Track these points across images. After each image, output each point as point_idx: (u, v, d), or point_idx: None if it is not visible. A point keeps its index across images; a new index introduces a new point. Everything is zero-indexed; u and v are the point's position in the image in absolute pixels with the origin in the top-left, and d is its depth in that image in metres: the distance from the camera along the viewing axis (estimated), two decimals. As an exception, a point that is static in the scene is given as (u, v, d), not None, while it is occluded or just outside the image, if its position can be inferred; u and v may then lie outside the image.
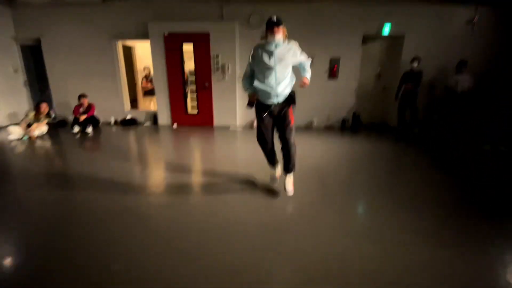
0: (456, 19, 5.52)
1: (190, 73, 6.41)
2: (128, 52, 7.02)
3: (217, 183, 3.00)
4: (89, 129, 5.56)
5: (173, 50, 5.82)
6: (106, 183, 2.99)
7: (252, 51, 2.43)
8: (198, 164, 3.86)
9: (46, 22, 5.92)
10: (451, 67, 5.48)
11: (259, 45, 2.41)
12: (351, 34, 5.69)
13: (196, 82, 6.04)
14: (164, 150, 4.61)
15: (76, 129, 5.54)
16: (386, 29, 5.61)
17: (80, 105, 5.76)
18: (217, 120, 6.17)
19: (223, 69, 5.85)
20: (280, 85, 2.39)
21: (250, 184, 2.99)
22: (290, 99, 2.49)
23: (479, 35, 5.51)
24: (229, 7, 5.65)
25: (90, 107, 5.79)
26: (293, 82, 2.53)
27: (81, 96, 5.74)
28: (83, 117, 5.62)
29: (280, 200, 2.63)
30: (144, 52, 7.11)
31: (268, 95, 2.43)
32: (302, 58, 2.47)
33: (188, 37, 5.75)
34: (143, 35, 5.88)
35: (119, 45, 6.13)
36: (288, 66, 2.38)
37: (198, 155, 4.37)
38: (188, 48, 5.90)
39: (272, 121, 2.56)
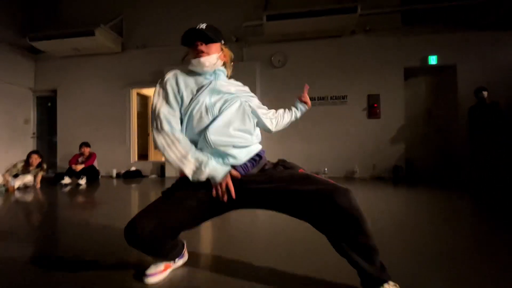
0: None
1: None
2: (145, 102, 6.72)
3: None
4: (82, 181, 4.67)
5: (188, 94, 5.32)
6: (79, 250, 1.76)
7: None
8: (211, 234, 2.49)
9: (63, 73, 5.89)
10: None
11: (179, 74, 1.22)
12: (390, 68, 4.91)
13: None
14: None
15: (67, 180, 4.68)
16: (433, 60, 4.78)
17: (80, 154, 5.07)
18: (234, 170, 5.11)
19: (242, 111, 5.12)
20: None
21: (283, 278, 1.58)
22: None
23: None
24: (249, 48, 5.29)
25: (90, 156, 5.07)
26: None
27: (83, 145, 5.09)
28: (79, 167, 4.83)
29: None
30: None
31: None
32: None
33: (204, 80, 5.29)
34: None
35: (133, 92, 5.80)
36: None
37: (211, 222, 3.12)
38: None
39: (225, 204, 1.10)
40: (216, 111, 1.13)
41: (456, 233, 1.98)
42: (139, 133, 6.11)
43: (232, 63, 1.31)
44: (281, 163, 1.21)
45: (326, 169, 4.89)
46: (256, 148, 1.20)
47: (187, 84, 1.18)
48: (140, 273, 1.26)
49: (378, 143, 4.89)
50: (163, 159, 6.41)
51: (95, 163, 5.13)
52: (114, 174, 5.53)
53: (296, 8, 4.35)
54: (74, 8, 5.83)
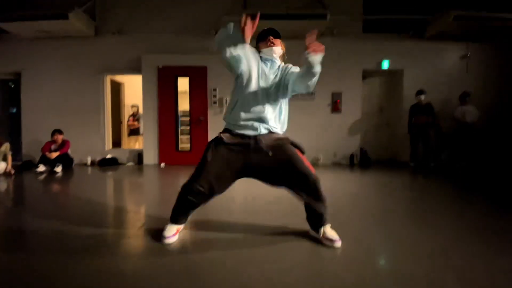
0: (451, 55, 5.66)
1: (184, 113, 5.94)
2: (117, 88, 6.60)
3: (223, 237, 1.82)
4: (58, 169, 4.64)
5: (167, 83, 5.45)
6: (66, 237, 1.93)
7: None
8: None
9: (29, 55, 5.50)
10: (452, 100, 5.42)
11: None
12: (351, 69, 5.63)
13: (191, 117, 5.53)
14: (149, 194, 3.69)
15: (42, 168, 4.61)
16: (385, 64, 5.62)
17: (52, 141, 4.95)
18: (212, 158, 5.48)
19: (220, 102, 5.45)
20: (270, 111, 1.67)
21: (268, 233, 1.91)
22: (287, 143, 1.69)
23: (476, 69, 5.61)
24: (227, 42, 5.55)
25: (64, 144, 4.99)
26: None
27: (55, 132, 4.96)
28: (54, 155, 4.75)
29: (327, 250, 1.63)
30: (134, 90, 6.70)
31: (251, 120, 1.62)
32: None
33: (183, 71, 5.46)
34: (135, 69, 5.56)
35: (107, 79, 5.71)
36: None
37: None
38: (181, 87, 5.58)
39: (240, 170, 1.65)
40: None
41: (395, 202, 2.71)
42: (112, 120, 6.05)
43: (285, 56, 1.82)
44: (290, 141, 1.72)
45: (295, 157, 5.52)
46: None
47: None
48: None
49: (339, 134, 5.65)
50: (136, 146, 6.47)
51: (69, 151, 5.06)
52: (89, 162, 5.50)
53: (273, 9, 4.76)
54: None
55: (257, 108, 1.61)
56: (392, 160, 5.95)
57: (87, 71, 5.56)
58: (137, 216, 2.42)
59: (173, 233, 1.72)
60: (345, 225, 1.95)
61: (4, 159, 4.39)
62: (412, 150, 5.20)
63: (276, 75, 1.68)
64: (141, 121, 6.13)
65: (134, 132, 6.72)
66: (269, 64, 1.70)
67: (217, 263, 1.46)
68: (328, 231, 1.68)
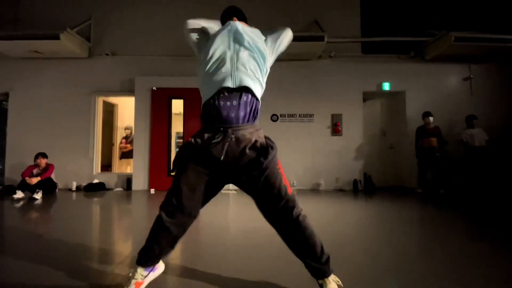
0: (454, 76, 5.51)
1: (178, 134, 5.74)
2: (110, 110, 6.41)
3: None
4: (38, 195, 4.27)
5: (161, 105, 5.26)
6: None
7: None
8: (185, 249, 2.09)
9: (18, 75, 5.37)
10: (458, 123, 5.20)
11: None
12: (351, 91, 5.46)
13: (184, 140, 5.27)
14: (134, 224, 3.31)
15: (20, 194, 4.25)
16: (386, 86, 5.45)
17: (35, 165, 4.65)
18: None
19: (215, 124, 5.22)
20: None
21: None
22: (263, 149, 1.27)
23: (481, 91, 5.43)
24: (223, 64, 5.44)
25: (47, 168, 4.68)
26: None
27: (39, 155, 4.67)
28: (34, 180, 4.40)
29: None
30: (128, 112, 6.51)
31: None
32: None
33: (178, 92, 5.30)
34: (128, 91, 5.41)
35: (99, 100, 5.53)
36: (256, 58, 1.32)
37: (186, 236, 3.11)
38: (175, 109, 5.44)
39: (214, 178, 1.29)
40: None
41: (407, 240, 2.33)
42: (103, 142, 5.80)
43: None
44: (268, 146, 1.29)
45: (295, 182, 5.18)
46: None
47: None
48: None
49: (340, 158, 5.35)
50: (128, 170, 6.15)
51: (52, 175, 4.74)
52: (74, 187, 5.14)
53: (270, 31, 4.67)
54: (36, 7, 5.41)
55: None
56: (397, 185, 5.60)
57: (78, 92, 5.39)
58: (117, 248, 2.05)
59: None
60: (349, 268, 1.58)
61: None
62: (420, 175, 4.88)
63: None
64: (134, 143, 5.87)
65: (126, 155, 6.43)
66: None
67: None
68: (332, 286, 1.27)
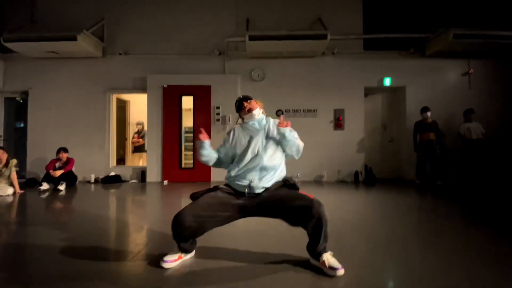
0: (453, 72, 5.69)
1: (188, 129, 6.01)
2: (123, 106, 6.72)
3: (223, 266, 1.70)
4: (62, 187, 4.65)
5: (172, 102, 5.55)
6: (65, 260, 1.99)
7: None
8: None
9: (36, 74, 5.68)
10: (456, 117, 5.40)
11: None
12: (353, 86, 5.68)
13: (194, 134, 5.57)
14: (150, 213, 3.65)
15: (45, 186, 4.61)
16: (387, 81, 5.66)
17: (57, 159, 5.00)
18: (216, 174, 5.46)
19: (223, 120, 5.51)
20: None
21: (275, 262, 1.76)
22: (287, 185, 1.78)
23: (479, 86, 5.62)
24: (231, 62, 5.69)
25: (68, 161, 5.02)
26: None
27: (61, 150, 5.02)
28: (58, 173, 4.77)
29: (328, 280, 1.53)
30: (139, 108, 6.82)
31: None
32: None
33: (188, 90, 5.57)
34: (141, 88, 5.69)
35: (113, 98, 5.83)
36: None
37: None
38: (185, 105, 5.70)
39: (238, 213, 1.73)
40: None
41: (404, 225, 2.64)
42: (117, 138, 6.12)
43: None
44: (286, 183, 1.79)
45: (298, 174, 5.47)
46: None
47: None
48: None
49: (342, 151, 5.62)
50: (140, 163, 6.49)
51: (73, 169, 5.09)
52: (93, 179, 5.51)
53: (276, 31, 4.89)
54: (51, 9, 5.67)
55: (252, 163, 1.77)
56: (397, 177, 5.87)
57: (93, 90, 5.69)
58: (137, 236, 2.38)
59: (174, 259, 1.67)
60: (348, 250, 1.89)
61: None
62: (419, 167, 5.13)
63: (267, 127, 1.89)
64: (146, 138, 6.19)
65: (138, 149, 6.77)
66: (256, 123, 1.89)
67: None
68: (330, 259, 1.61)
